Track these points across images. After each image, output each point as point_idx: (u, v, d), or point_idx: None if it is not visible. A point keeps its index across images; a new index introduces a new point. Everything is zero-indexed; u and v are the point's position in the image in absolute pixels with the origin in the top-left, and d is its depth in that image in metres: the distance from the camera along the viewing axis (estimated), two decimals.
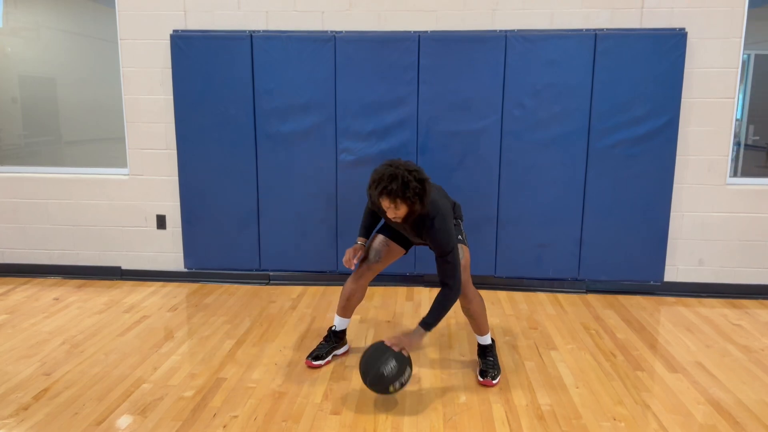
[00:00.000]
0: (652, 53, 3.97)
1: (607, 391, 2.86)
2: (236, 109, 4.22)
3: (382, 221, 3.09)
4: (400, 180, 2.53)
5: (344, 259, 2.93)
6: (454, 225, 2.94)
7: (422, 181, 2.58)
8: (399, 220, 2.70)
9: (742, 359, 3.24)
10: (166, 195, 4.48)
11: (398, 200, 2.57)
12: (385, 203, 2.61)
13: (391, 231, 3.06)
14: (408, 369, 2.65)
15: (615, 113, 4.06)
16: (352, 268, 2.97)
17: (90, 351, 3.26)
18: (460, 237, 2.96)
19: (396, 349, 2.65)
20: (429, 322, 2.70)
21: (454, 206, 3.04)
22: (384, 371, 2.58)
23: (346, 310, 3.15)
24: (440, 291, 2.71)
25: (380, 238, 3.08)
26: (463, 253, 2.91)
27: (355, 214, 4.12)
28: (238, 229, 4.40)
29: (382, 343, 2.68)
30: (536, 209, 4.22)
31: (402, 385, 2.64)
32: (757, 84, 4.25)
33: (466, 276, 2.89)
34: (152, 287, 4.42)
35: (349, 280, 3.10)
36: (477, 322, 2.98)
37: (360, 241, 3.05)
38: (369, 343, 3.38)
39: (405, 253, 3.13)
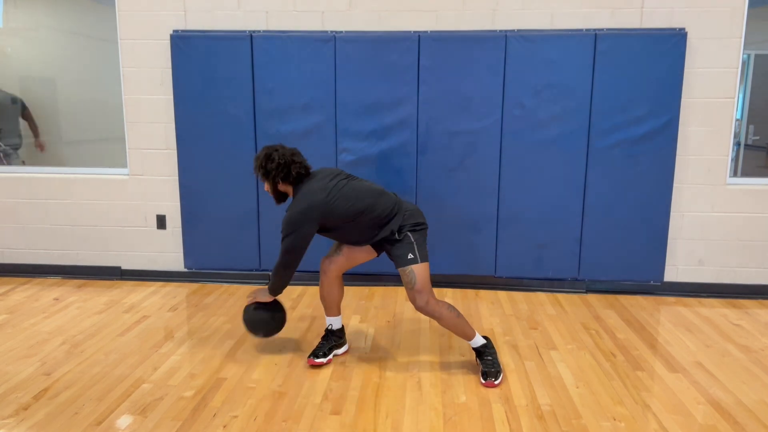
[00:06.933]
0: (652, 53, 3.97)
1: (607, 391, 2.86)
2: (236, 108, 4.22)
3: None
4: (260, 156, 2.88)
5: None
6: (401, 237, 2.86)
7: (267, 156, 2.84)
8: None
9: (742, 359, 3.24)
10: (166, 195, 4.48)
11: (255, 172, 2.92)
12: None
13: None
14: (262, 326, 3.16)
15: (615, 113, 4.06)
16: None
17: (90, 351, 3.26)
18: (411, 255, 2.83)
19: (250, 301, 3.09)
20: (271, 288, 3.00)
21: (406, 213, 2.90)
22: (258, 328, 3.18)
23: (330, 309, 3.19)
24: None
25: None
26: (415, 273, 2.81)
27: None
28: (238, 229, 4.40)
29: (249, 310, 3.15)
30: (536, 209, 4.22)
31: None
32: (757, 84, 4.25)
33: (424, 298, 2.82)
34: (152, 287, 4.42)
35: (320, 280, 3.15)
36: (457, 332, 2.94)
37: None
38: (369, 343, 3.39)
39: (377, 255, 3.09)
